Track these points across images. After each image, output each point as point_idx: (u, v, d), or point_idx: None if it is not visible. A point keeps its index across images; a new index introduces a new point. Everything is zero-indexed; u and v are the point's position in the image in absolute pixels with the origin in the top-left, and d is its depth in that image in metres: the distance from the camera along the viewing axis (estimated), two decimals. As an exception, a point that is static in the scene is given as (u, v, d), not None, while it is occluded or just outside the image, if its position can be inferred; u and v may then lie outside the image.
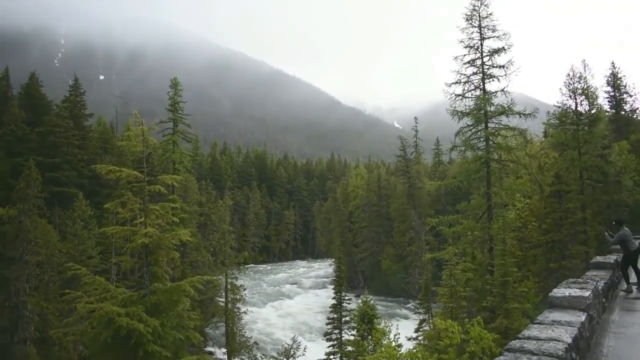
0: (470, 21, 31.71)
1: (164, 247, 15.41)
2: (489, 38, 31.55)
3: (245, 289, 50.67)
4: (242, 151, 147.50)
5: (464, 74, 31.98)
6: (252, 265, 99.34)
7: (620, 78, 47.28)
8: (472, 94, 31.95)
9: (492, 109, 31.14)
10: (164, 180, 17.82)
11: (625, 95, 47.52)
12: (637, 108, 48.82)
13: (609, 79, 47.26)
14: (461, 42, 31.93)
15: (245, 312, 48.15)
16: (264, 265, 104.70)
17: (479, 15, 31.51)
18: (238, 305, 47.44)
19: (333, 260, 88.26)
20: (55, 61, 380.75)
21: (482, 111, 31.21)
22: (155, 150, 48.12)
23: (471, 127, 31.84)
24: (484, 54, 31.55)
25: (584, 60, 37.91)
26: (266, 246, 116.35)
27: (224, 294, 47.76)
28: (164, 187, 16.76)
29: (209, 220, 60.70)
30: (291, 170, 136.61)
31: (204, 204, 65.00)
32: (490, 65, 31.49)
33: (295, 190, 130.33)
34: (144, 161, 16.20)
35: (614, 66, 47.72)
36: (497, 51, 31.18)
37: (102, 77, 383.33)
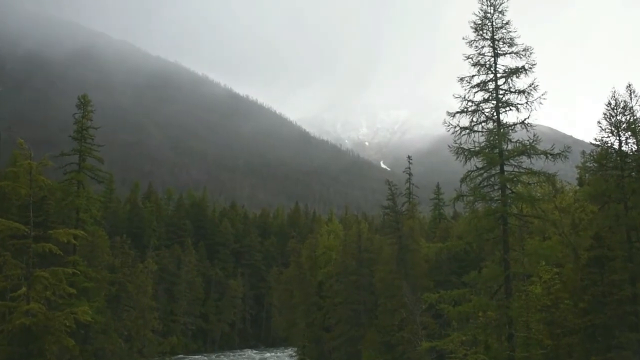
0: (481, 32, 32.34)
1: (54, 331, 14.80)
2: (504, 54, 32.14)
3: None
4: (173, 196, 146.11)
5: (472, 101, 32.40)
6: (183, 355, 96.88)
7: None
8: (482, 127, 32.30)
9: (510, 147, 31.46)
10: (58, 236, 17.30)
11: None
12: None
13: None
14: (468, 58, 32.45)
15: None
16: (199, 356, 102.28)
17: (492, 25, 32.21)
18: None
19: (295, 349, 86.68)
20: None
21: (497, 150, 31.49)
22: (52, 193, 47.25)
23: (482, 171, 32.06)
24: (499, 75, 32.10)
25: (630, 86, 38.50)
26: (203, 329, 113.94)
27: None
28: (57, 247, 16.24)
29: (124, 291, 59.32)
30: (240, 224, 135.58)
31: (117, 269, 63.62)
32: (506, 90, 32.00)
33: (245, 251, 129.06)
34: (30, 209, 15.73)
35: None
36: (515, 71, 31.71)
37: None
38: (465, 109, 32.42)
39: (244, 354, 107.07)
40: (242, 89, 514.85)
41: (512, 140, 31.65)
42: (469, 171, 32.22)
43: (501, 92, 32.07)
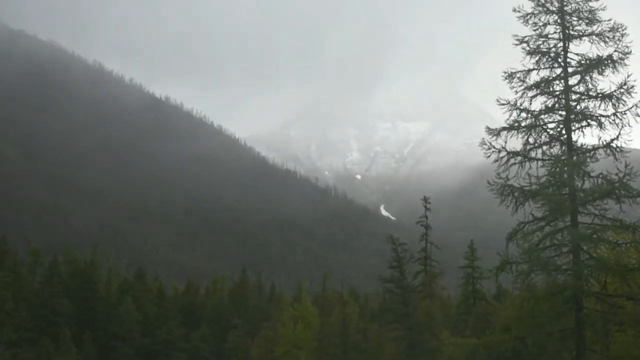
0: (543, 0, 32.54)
1: None
2: (579, 37, 32.36)
3: None
4: (42, 260, 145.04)
5: (529, 111, 32.50)
6: None
7: None
8: (544, 153, 32.35)
9: (588, 184, 31.48)
10: None
11: None
12: None
13: None
14: (522, 42, 32.63)
15: None
16: None
17: (561, -9, 32.45)
18: None
19: None
20: None
21: (566, 189, 31.53)
22: None
23: (543, 223, 32.05)
24: (570, 70, 32.23)
25: None
26: None
27: None
28: None
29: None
30: (152, 306, 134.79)
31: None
32: (583, 94, 32.08)
33: (160, 349, 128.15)
34: None
35: None
36: (597, 64, 31.81)
37: None
38: (517, 123, 32.45)
39: None
40: (160, 89, 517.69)
41: (592, 173, 31.62)
42: (521, 222, 32.15)
43: (574, 96, 32.15)
